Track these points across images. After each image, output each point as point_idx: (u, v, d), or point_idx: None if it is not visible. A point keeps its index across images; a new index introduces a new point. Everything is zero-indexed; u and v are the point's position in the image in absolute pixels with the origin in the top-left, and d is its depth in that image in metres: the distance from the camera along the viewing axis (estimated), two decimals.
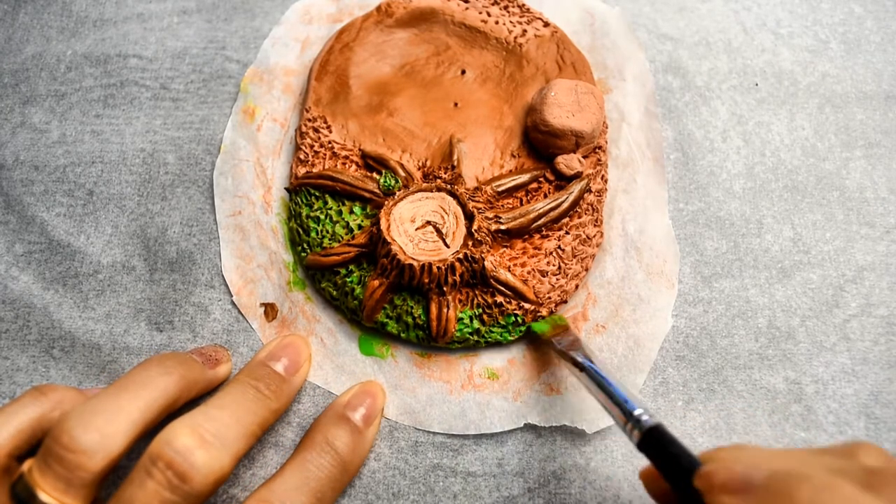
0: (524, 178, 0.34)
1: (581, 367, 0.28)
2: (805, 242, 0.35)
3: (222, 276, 0.35)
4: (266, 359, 0.30)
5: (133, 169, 0.37)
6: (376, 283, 0.32)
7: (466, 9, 0.40)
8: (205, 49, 0.41)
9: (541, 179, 0.35)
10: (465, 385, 0.32)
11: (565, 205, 0.33)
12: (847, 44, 0.41)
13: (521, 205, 0.34)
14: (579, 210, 0.34)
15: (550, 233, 0.34)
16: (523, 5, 0.40)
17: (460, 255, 0.31)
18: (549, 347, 0.31)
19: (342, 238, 0.33)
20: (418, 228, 0.32)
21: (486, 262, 0.31)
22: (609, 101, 0.38)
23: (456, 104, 0.37)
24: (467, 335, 0.32)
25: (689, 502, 0.21)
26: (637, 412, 0.25)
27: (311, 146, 0.36)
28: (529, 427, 0.31)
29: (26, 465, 0.24)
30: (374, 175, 0.35)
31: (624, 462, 0.31)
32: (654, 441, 0.23)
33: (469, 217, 0.32)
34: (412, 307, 0.32)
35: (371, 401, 0.30)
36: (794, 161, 0.37)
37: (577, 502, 0.30)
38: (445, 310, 0.31)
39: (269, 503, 0.26)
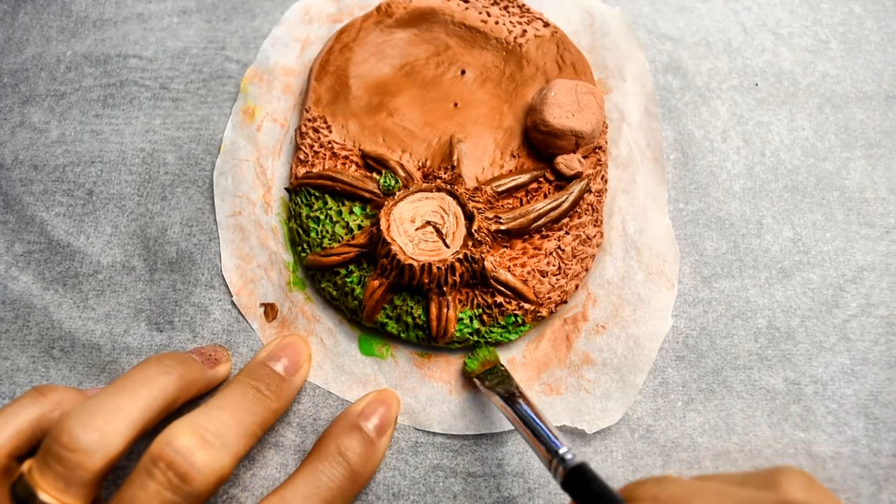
0: (524, 178, 0.34)
1: (508, 403, 0.28)
2: (805, 242, 0.35)
3: (222, 276, 0.35)
4: (266, 359, 0.30)
5: (133, 169, 0.37)
6: (376, 283, 0.32)
7: (466, 9, 0.40)
8: (205, 49, 0.41)
9: (541, 179, 0.35)
10: (464, 385, 0.32)
11: (565, 205, 0.33)
12: (847, 44, 0.41)
13: (521, 205, 0.34)
14: (579, 210, 0.34)
15: (550, 233, 0.34)
16: (523, 5, 0.40)
17: (460, 256, 0.31)
18: (480, 384, 0.31)
19: (342, 238, 0.33)
20: (418, 228, 0.32)
21: (486, 263, 0.31)
22: (609, 101, 0.38)
23: (456, 104, 0.37)
24: (467, 335, 0.32)
25: None
26: (562, 451, 0.25)
27: (311, 146, 0.36)
28: None
29: (26, 466, 0.24)
30: (374, 175, 0.35)
31: (624, 462, 0.31)
32: (578, 479, 0.24)
33: (469, 217, 0.32)
34: (412, 307, 0.32)
35: (385, 410, 0.30)
36: (794, 161, 0.37)
37: None
38: (445, 310, 0.31)
39: None
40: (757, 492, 0.22)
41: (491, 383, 0.30)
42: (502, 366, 0.31)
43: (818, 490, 0.23)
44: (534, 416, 0.27)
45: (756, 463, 0.30)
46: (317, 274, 0.34)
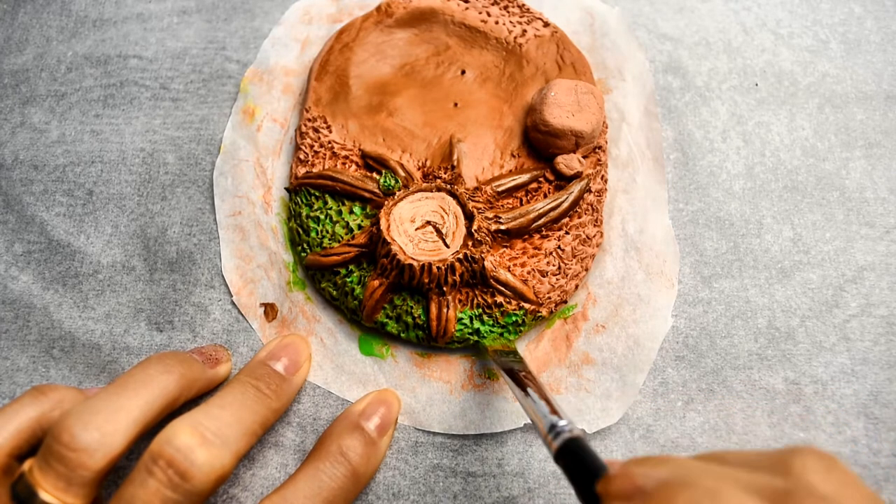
0: (524, 178, 0.34)
1: (513, 375, 0.28)
2: (805, 242, 0.35)
3: (222, 276, 0.35)
4: (266, 358, 0.30)
5: (133, 169, 0.37)
6: (376, 283, 0.32)
7: (466, 9, 0.40)
8: (205, 49, 0.41)
9: (541, 179, 0.35)
10: (465, 385, 0.32)
11: (565, 205, 0.33)
12: (847, 44, 0.41)
13: (521, 205, 0.34)
14: (579, 210, 0.34)
15: (550, 233, 0.34)
16: (523, 5, 0.40)
17: (460, 255, 0.31)
18: (494, 356, 0.31)
19: (342, 238, 0.33)
20: (418, 228, 0.32)
21: (486, 262, 0.31)
22: (609, 101, 0.38)
23: (456, 104, 0.37)
24: (467, 335, 0.32)
25: None
26: (560, 423, 0.24)
27: (311, 146, 0.36)
28: (529, 427, 0.31)
29: (27, 465, 0.24)
30: (374, 175, 0.35)
31: None
32: (570, 452, 0.23)
33: (469, 217, 0.32)
34: (412, 307, 0.32)
35: (386, 410, 0.30)
36: (793, 161, 0.37)
37: (577, 503, 0.30)
38: (445, 310, 0.31)
39: None
40: (767, 476, 0.19)
41: (503, 360, 0.30)
42: (518, 354, 0.31)
43: (838, 473, 0.20)
44: (535, 391, 0.27)
45: None
46: (317, 274, 0.34)
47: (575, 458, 0.23)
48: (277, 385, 0.29)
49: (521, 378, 0.28)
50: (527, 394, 0.27)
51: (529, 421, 0.31)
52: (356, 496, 0.29)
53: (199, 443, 0.24)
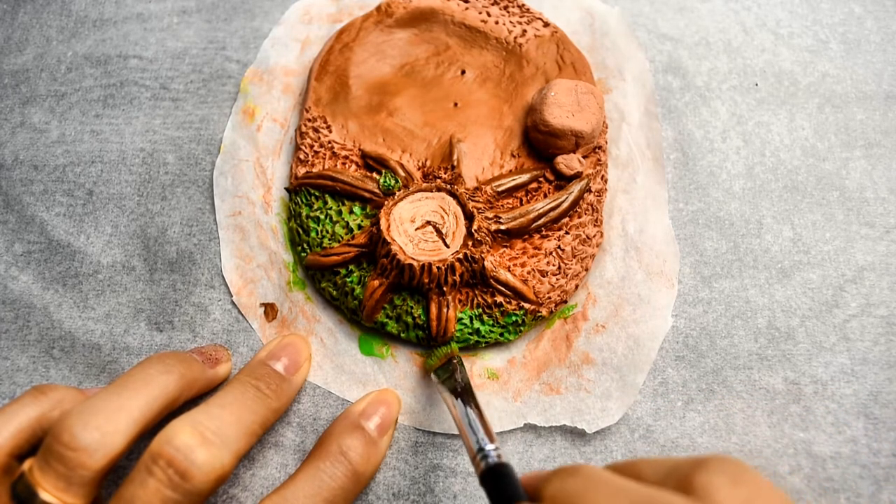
0: (524, 178, 0.34)
1: (454, 397, 0.29)
2: (805, 242, 0.35)
3: (222, 276, 0.35)
4: (266, 358, 0.30)
5: (133, 169, 0.37)
6: (376, 283, 0.32)
7: (466, 9, 0.40)
8: (205, 49, 0.41)
9: (541, 179, 0.35)
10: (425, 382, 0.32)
11: (565, 205, 0.33)
12: (847, 44, 0.41)
13: (521, 205, 0.34)
14: (579, 210, 0.34)
15: (550, 233, 0.34)
16: (523, 5, 0.40)
17: (460, 255, 0.31)
18: (436, 380, 0.31)
19: (342, 238, 0.33)
20: (418, 228, 0.32)
21: (486, 262, 0.31)
22: (609, 102, 0.38)
23: (456, 104, 0.37)
24: (467, 335, 0.32)
25: None
26: (487, 447, 0.26)
27: (311, 146, 0.36)
28: (529, 427, 0.31)
29: (27, 465, 0.24)
30: (374, 175, 0.35)
31: None
32: (493, 477, 0.24)
33: (469, 217, 0.32)
34: (412, 307, 0.32)
35: (386, 410, 0.30)
36: (793, 161, 0.37)
37: None
38: (445, 310, 0.31)
39: None
40: (668, 495, 0.19)
41: (442, 378, 0.30)
42: (457, 357, 0.31)
43: (748, 483, 0.19)
44: (468, 413, 0.28)
45: (756, 462, 0.30)
46: (317, 274, 0.34)
47: (498, 483, 0.24)
48: (277, 385, 0.29)
49: (464, 396, 0.29)
50: (466, 413, 0.28)
51: (530, 421, 0.31)
52: (356, 496, 0.29)
53: (199, 442, 0.24)
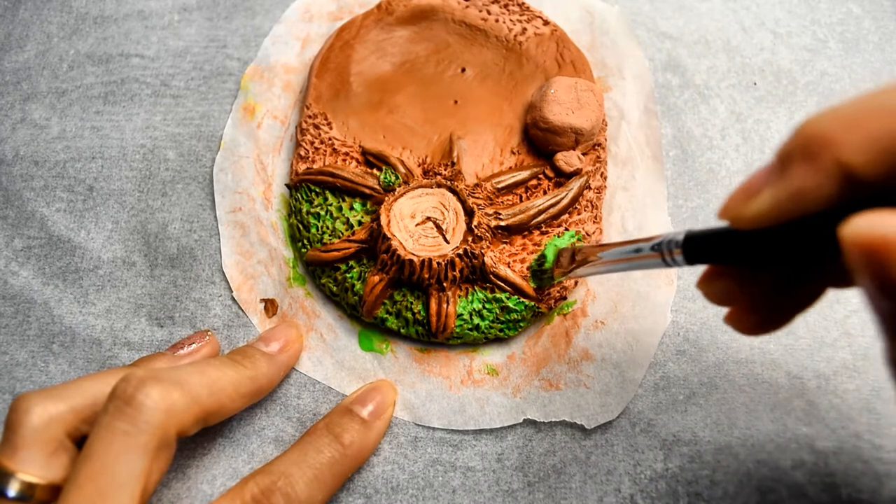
0: (524, 174, 0.35)
1: (587, 264, 0.27)
2: None
3: (222, 271, 0.35)
4: (254, 342, 0.31)
5: (133, 165, 0.38)
6: (376, 278, 0.32)
7: (466, 7, 0.40)
8: (206, 47, 0.41)
9: (540, 176, 0.35)
10: (464, 381, 0.32)
11: (565, 201, 0.33)
12: (845, 43, 0.41)
13: (521, 201, 0.34)
14: (578, 207, 0.34)
15: (550, 229, 0.34)
16: (523, 4, 0.40)
17: (460, 251, 0.31)
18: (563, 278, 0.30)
19: (342, 234, 0.33)
20: (418, 224, 0.32)
21: (485, 258, 0.31)
22: (608, 100, 0.38)
23: (456, 102, 0.37)
24: (467, 331, 0.32)
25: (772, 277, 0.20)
26: (656, 240, 0.23)
27: (312, 143, 0.36)
28: (529, 422, 0.31)
29: None
30: (375, 171, 0.35)
31: (625, 456, 0.30)
32: (699, 242, 0.22)
33: (469, 213, 0.32)
34: (412, 303, 0.32)
35: (380, 397, 0.30)
36: None
37: (577, 497, 0.30)
38: (445, 305, 0.31)
39: (268, 479, 0.26)
40: None
41: (569, 269, 0.29)
42: (566, 247, 0.30)
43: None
44: (614, 250, 0.26)
45: (758, 458, 0.30)
46: (317, 270, 0.34)
47: (708, 242, 0.21)
48: (256, 358, 0.29)
49: (591, 257, 0.27)
50: (612, 256, 0.26)
51: (529, 417, 0.31)
52: (347, 473, 0.29)
53: (153, 379, 0.24)
